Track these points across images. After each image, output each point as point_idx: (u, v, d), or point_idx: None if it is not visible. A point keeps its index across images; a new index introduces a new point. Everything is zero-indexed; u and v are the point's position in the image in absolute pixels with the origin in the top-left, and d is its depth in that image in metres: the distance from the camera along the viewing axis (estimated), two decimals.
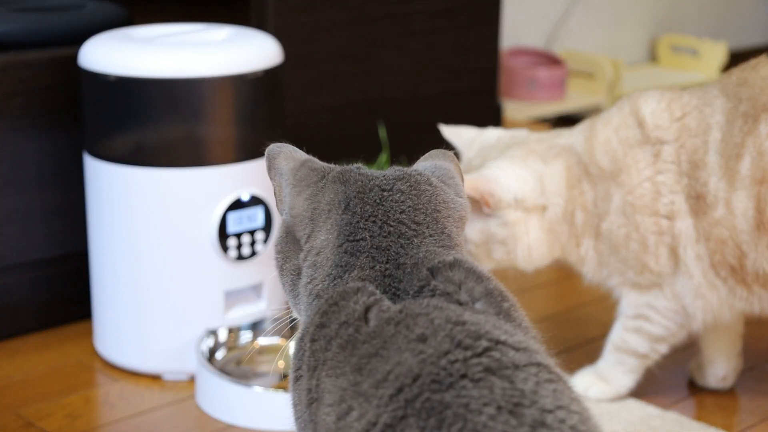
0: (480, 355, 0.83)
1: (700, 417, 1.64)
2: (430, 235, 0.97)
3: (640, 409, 1.65)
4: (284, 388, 1.68)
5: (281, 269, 1.03)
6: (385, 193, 0.98)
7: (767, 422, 1.64)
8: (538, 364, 0.85)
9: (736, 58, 3.55)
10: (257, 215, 1.75)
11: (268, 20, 2.07)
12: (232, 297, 1.77)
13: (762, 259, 1.50)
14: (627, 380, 1.66)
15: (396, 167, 1.03)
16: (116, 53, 1.69)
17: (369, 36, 2.23)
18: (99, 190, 1.74)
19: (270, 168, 1.03)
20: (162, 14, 2.13)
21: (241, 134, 1.72)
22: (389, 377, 0.84)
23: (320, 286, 0.96)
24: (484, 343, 0.84)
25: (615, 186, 1.57)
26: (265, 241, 1.76)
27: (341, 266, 0.95)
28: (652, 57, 3.81)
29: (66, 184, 1.88)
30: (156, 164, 1.69)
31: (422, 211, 0.98)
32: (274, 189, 1.04)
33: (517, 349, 0.85)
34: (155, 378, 1.76)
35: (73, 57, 1.78)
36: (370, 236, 0.96)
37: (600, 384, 1.66)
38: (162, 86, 1.66)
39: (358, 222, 0.97)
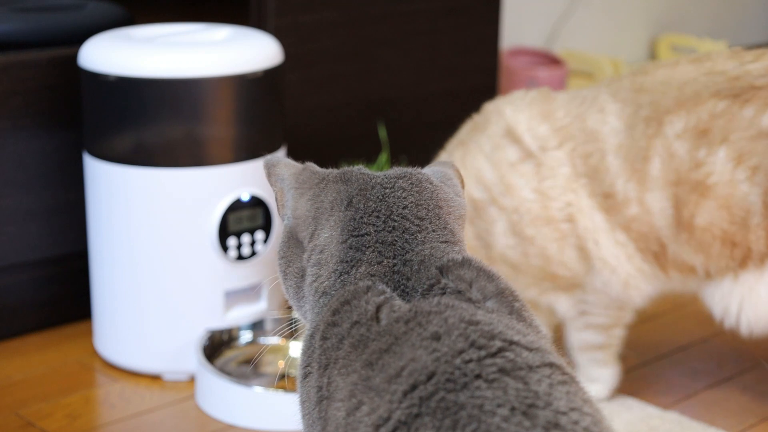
0: (494, 355, 0.84)
1: (699, 417, 1.64)
2: (434, 230, 0.98)
3: (640, 408, 1.65)
4: (284, 388, 1.68)
5: (284, 274, 1.04)
6: (387, 191, 0.99)
7: (767, 422, 1.65)
8: (552, 365, 0.85)
9: None
10: (257, 215, 1.75)
11: (268, 20, 2.07)
12: (232, 297, 1.77)
13: (681, 251, 1.52)
14: (607, 372, 1.66)
15: (396, 168, 1.04)
16: (116, 53, 1.69)
17: (369, 36, 2.23)
18: (99, 190, 1.74)
19: (270, 175, 1.05)
20: (162, 14, 2.13)
21: (241, 134, 1.72)
22: (402, 373, 0.84)
23: (326, 283, 0.97)
24: (497, 344, 0.85)
25: (497, 211, 1.57)
26: (265, 241, 1.76)
27: (347, 262, 0.96)
28: (652, 56, 3.81)
29: (66, 183, 1.88)
30: (156, 164, 1.69)
31: (424, 206, 0.99)
32: (276, 195, 1.05)
33: (530, 350, 0.86)
34: (155, 378, 1.76)
35: (74, 57, 1.78)
36: (375, 231, 0.97)
37: (590, 386, 1.66)
38: (162, 86, 1.66)
39: (361, 218, 0.98)
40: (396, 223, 0.97)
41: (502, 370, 0.82)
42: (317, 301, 0.97)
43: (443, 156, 1.66)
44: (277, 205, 1.05)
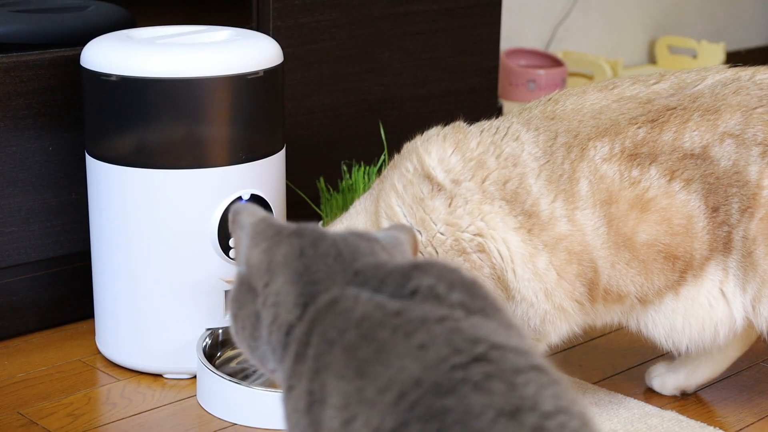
0: (479, 359, 0.84)
1: (698, 416, 1.65)
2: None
3: (638, 407, 1.66)
4: None
5: (235, 316, 1.05)
6: (338, 240, 1.02)
7: (765, 420, 1.65)
8: (537, 367, 0.85)
9: (735, 59, 3.56)
10: None
11: (269, 21, 2.08)
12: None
13: (619, 276, 1.52)
14: None
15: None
16: (118, 53, 1.70)
17: (369, 36, 2.24)
18: (100, 191, 1.75)
19: (233, 222, 1.08)
20: (164, 16, 2.14)
21: (241, 134, 1.73)
22: (392, 384, 0.85)
23: (291, 316, 0.98)
24: (482, 348, 0.85)
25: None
26: None
27: (305, 294, 0.98)
28: (651, 58, 3.82)
29: (68, 183, 1.89)
30: (156, 165, 1.70)
31: (376, 255, 1.01)
32: (235, 242, 1.07)
33: (515, 352, 0.86)
34: (157, 377, 1.77)
35: (76, 58, 1.78)
36: (324, 265, 0.99)
37: None
38: (163, 86, 1.67)
39: (312, 261, 1.00)
40: (346, 258, 0.99)
41: (487, 374, 0.83)
42: (283, 336, 0.99)
43: (369, 191, 1.67)
44: (235, 252, 1.08)
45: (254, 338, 1.03)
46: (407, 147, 1.62)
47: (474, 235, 1.52)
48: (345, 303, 0.93)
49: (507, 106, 3.08)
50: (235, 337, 1.06)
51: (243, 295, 1.04)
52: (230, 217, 1.09)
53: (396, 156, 1.63)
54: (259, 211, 1.08)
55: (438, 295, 0.93)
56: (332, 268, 0.99)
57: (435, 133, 1.60)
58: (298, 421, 0.92)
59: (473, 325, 0.88)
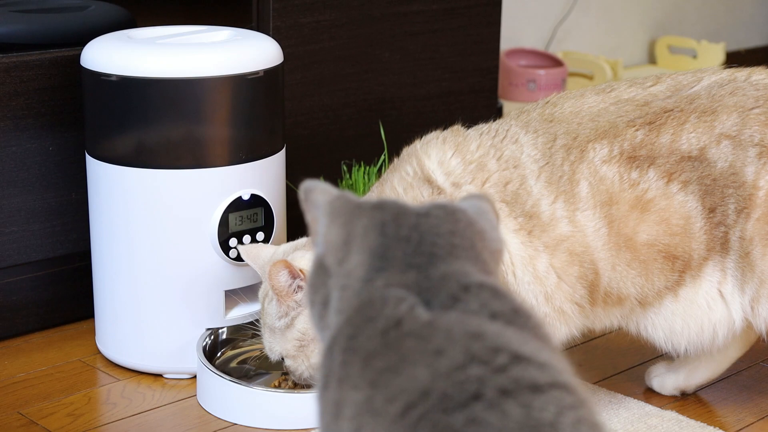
0: (497, 371, 0.79)
1: (698, 416, 1.65)
2: (466, 257, 0.94)
3: (638, 407, 1.66)
4: (285, 388, 1.69)
5: (311, 303, 1.00)
6: (421, 218, 0.96)
7: (765, 420, 1.66)
8: (561, 386, 0.80)
9: (735, 59, 3.56)
10: (258, 215, 1.76)
11: (269, 21, 2.08)
12: (233, 297, 1.78)
13: (620, 278, 1.52)
14: None
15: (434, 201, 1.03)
16: (118, 53, 1.70)
17: (369, 36, 2.24)
18: (100, 191, 1.75)
19: (306, 201, 1.02)
20: (164, 16, 2.14)
21: (241, 134, 1.73)
22: (400, 393, 0.80)
23: (347, 304, 0.93)
24: (502, 358, 0.80)
25: None
26: (266, 241, 1.77)
27: (369, 280, 0.93)
28: (651, 58, 3.82)
29: (68, 183, 1.89)
30: (156, 165, 1.70)
31: (459, 235, 0.96)
32: (310, 222, 1.02)
33: (539, 366, 0.81)
34: (157, 377, 1.77)
35: (76, 58, 1.79)
36: (403, 254, 0.94)
37: None
38: (163, 86, 1.67)
39: (390, 242, 0.95)
40: (426, 249, 0.94)
41: (503, 391, 0.78)
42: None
43: (367, 195, 1.66)
44: (311, 233, 1.02)
45: (322, 327, 0.98)
46: (406, 151, 1.62)
47: None
48: (386, 311, 0.88)
49: (507, 106, 3.08)
50: (312, 324, 1.01)
51: (318, 279, 0.98)
52: (301, 195, 1.02)
53: (395, 159, 1.63)
54: (333, 189, 1.02)
55: (476, 310, 0.88)
56: (409, 261, 0.93)
57: (434, 136, 1.60)
58: (330, 423, 0.88)
59: (497, 332, 0.83)
